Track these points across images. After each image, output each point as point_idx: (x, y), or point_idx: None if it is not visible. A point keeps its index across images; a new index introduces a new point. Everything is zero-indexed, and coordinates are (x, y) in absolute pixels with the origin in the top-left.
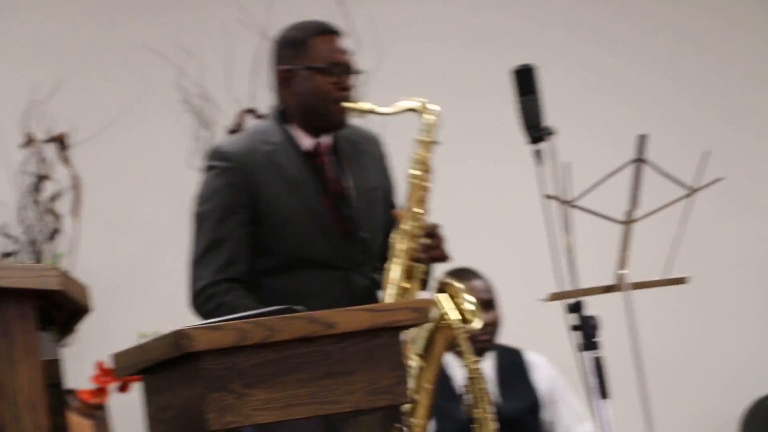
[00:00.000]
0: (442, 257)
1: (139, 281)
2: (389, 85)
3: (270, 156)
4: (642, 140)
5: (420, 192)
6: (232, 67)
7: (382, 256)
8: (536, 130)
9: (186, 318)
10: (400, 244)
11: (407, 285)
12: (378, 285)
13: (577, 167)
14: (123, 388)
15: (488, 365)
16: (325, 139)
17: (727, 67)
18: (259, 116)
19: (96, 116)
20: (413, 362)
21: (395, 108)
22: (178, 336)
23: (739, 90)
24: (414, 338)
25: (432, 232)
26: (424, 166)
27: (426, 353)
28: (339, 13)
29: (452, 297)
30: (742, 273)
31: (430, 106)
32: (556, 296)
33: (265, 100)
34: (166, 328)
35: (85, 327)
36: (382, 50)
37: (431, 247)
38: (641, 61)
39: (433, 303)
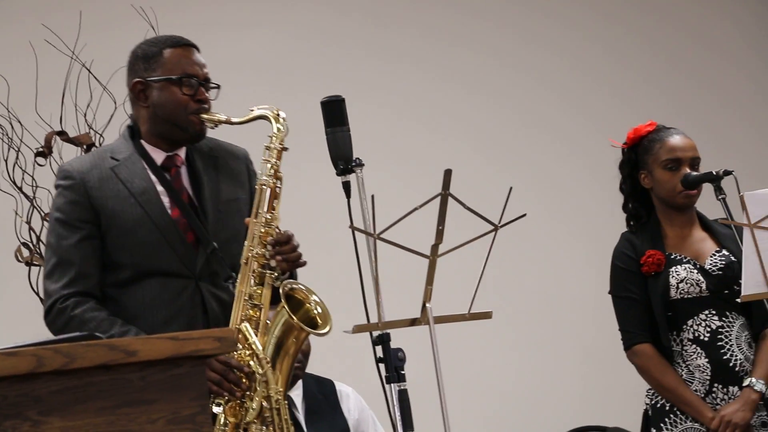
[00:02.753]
0: (296, 263)
1: None
2: None
3: (114, 170)
4: (447, 175)
5: (270, 198)
6: (41, 87)
7: (237, 266)
8: (344, 162)
9: None
10: (251, 250)
11: (258, 290)
12: (230, 295)
13: (385, 200)
14: None
15: (297, 394)
16: (180, 152)
17: (547, 94)
18: (69, 139)
19: None
20: (259, 368)
21: (248, 116)
22: None
23: (555, 118)
24: (263, 344)
25: (284, 239)
26: (275, 172)
27: (274, 360)
28: (151, 35)
29: (302, 301)
30: (546, 307)
31: (281, 113)
32: (359, 328)
33: (74, 122)
34: None
35: None
36: None
37: (282, 252)
38: (453, 90)
39: (287, 311)
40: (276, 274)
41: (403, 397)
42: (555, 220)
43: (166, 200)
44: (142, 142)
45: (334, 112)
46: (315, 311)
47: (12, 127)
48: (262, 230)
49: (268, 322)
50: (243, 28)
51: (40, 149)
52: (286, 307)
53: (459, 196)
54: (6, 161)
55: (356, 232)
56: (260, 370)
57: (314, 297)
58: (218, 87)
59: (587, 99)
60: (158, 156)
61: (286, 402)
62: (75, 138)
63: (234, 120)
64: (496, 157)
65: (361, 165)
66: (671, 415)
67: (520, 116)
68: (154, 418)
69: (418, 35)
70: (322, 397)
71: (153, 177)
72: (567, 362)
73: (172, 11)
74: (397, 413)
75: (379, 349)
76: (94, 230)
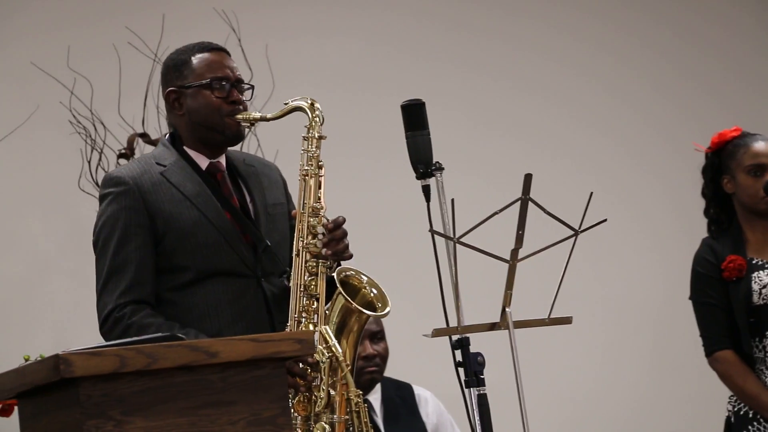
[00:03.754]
0: (344, 252)
1: (25, 303)
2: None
3: (164, 175)
4: (528, 179)
5: (315, 186)
6: (124, 89)
7: (289, 263)
8: (424, 166)
9: (73, 341)
10: (301, 241)
11: (312, 281)
12: (286, 291)
13: (465, 204)
14: (5, 412)
15: (376, 398)
16: (220, 160)
17: (623, 103)
18: (150, 141)
19: None
20: (324, 357)
21: (282, 110)
22: (57, 361)
23: (631, 126)
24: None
25: (333, 227)
26: (316, 162)
27: (341, 330)
28: (232, 40)
29: (357, 287)
30: (626, 313)
31: (316, 103)
32: (438, 332)
33: (156, 124)
34: (53, 351)
35: None
36: (275, 79)
37: (332, 240)
38: (530, 98)
39: (317, 336)
40: (328, 263)
41: (483, 401)
42: (633, 226)
43: (217, 202)
44: (185, 148)
45: (414, 115)
46: (371, 294)
47: (95, 129)
48: (311, 220)
49: (326, 312)
50: (324, 33)
51: (123, 151)
52: (342, 292)
53: (538, 200)
54: (89, 162)
55: (436, 236)
56: (341, 371)
57: (365, 279)
58: (252, 87)
59: (662, 109)
60: (202, 162)
61: (365, 405)
62: (157, 140)
63: (269, 116)
64: (574, 163)
65: (441, 169)
66: (755, 423)
67: (598, 124)
68: (234, 419)
69: (499, 44)
70: (401, 401)
71: (201, 181)
72: (646, 368)
73: (252, 14)
74: (477, 418)
75: (458, 353)
76: (149, 236)
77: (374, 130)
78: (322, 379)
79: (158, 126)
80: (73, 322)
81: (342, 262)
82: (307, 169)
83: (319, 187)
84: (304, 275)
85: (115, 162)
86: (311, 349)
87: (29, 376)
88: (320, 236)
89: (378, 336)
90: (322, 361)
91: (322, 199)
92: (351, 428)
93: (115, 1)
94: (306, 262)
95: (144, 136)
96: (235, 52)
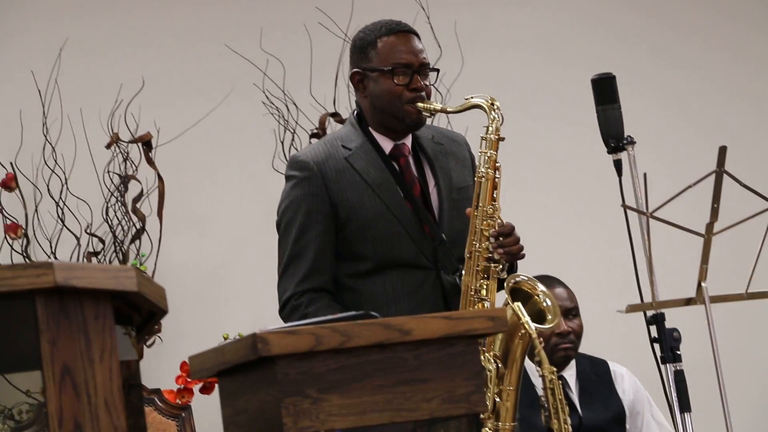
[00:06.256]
0: (517, 255)
1: (223, 282)
2: (470, 90)
3: (349, 161)
4: (722, 152)
5: (490, 189)
6: (315, 70)
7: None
8: (615, 140)
9: (270, 320)
10: (473, 244)
11: (484, 284)
12: (459, 286)
13: (658, 178)
14: (206, 389)
15: (571, 374)
16: (406, 141)
17: None
18: (341, 121)
19: (180, 117)
20: (491, 365)
21: (463, 105)
22: (255, 340)
23: None
24: (492, 342)
25: (506, 231)
26: (492, 164)
27: (505, 357)
28: (421, 17)
29: (529, 294)
30: None
31: (496, 102)
32: (632, 308)
33: (347, 104)
34: (250, 329)
35: (172, 327)
36: (464, 55)
37: (505, 245)
38: (722, 74)
39: (510, 311)
40: (501, 266)
41: (680, 377)
42: None
43: (399, 191)
44: (371, 129)
45: (605, 89)
46: (544, 303)
47: (288, 109)
48: (484, 223)
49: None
50: (513, 7)
51: (315, 131)
52: (511, 303)
53: (733, 173)
54: (282, 143)
55: (628, 211)
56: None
57: (540, 288)
58: (437, 71)
59: None
60: (387, 144)
61: (560, 382)
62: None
63: (449, 109)
64: None
65: (632, 143)
66: None
67: None
68: (429, 396)
69: (687, 27)
70: (597, 377)
71: (385, 167)
72: None
73: None
74: (674, 394)
75: (653, 329)
76: (330, 223)
77: (564, 103)
78: (488, 387)
79: (348, 105)
80: (271, 300)
81: (517, 263)
82: (484, 171)
83: (495, 189)
84: (476, 278)
85: (307, 141)
86: (504, 327)
87: (228, 354)
88: (491, 240)
89: (573, 312)
90: (488, 369)
91: (497, 202)
92: (546, 404)
93: None
94: (477, 265)
95: (335, 115)
96: (424, 29)
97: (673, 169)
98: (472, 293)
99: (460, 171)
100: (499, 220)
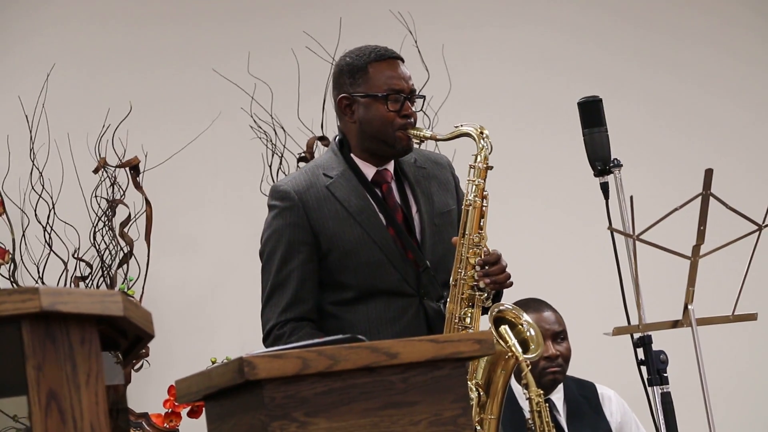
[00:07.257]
0: (504, 284)
1: (211, 306)
2: (457, 111)
3: (330, 189)
4: (708, 174)
5: (477, 218)
6: (303, 94)
7: (447, 282)
8: (602, 163)
9: (258, 344)
10: (458, 272)
11: (468, 312)
12: (443, 313)
13: (644, 200)
14: (194, 413)
15: (559, 397)
16: (388, 167)
17: None
18: (329, 145)
19: (168, 141)
20: (473, 393)
21: (453, 133)
22: (241, 363)
23: None
24: (474, 369)
25: (492, 260)
26: (480, 192)
27: (487, 386)
28: (409, 41)
29: (513, 323)
30: None
31: (485, 131)
32: (619, 330)
33: (335, 127)
34: (238, 353)
35: (160, 351)
36: (451, 79)
37: (491, 273)
38: (710, 93)
39: (496, 335)
40: (485, 295)
41: (666, 400)
42: None
43: (381, 218)
44: (353, 156)
45: (591, 112)
46: (527, 333)
47: (275, 133)
48: (470, 252)
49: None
50: (501, 30)
51: (303, 154)
52: (494, 332)
53: (720, 193)
54: (270, 167)
55: (615, 234)
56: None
57: (525, 318)
58: (423, 98)
59: None
60: (369, 171)
61: (547, 405)
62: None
63: (439, 136)
64: (754, 157)
65: (619, 166)
66: None
67: None
68: (416, 419)
69: (675, 38)
70: (584, 399)
71: (366, 194)
72: None
73: (428, 15)
74: (661, 416)
75: (640, 351)
76: (312, 252)
77: (552, 125)
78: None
79: (336, 130)
80: (259, 324)
81: (503, 290)
82: (471, 200)
83: (482, 217)
84: (460, 306)
85: (295, 165)
86: (491, 350)
87: (215, 378)
88: (477, 268)
89: (561, 336)
90: (470, 398)
91: (483, 230)
92: (533, 427)
93: (293, 5)
94: (462, 293)
95: (323, 139)
96: (411, 53)
97: (661, 192)
98: (456, 321)
99: (443, 195)
100: (485, 249)
